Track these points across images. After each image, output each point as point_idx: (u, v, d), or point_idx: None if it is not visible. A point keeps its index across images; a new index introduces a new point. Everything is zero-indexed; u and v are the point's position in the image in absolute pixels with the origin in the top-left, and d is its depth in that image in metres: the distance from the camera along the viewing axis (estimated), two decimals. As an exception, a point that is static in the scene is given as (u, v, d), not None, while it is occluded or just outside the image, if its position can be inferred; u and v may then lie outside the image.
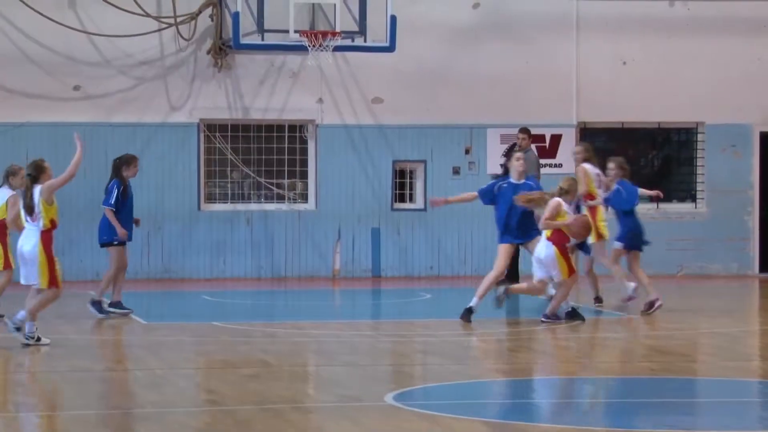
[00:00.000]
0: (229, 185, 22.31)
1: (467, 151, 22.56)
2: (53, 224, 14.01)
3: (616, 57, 22.93)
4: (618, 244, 16.99)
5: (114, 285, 16.73)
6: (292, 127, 22.51)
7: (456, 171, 22.51)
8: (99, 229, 16.98)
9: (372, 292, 20.98)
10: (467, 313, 15.90)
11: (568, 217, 15.70)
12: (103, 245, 16.93)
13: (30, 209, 13.95)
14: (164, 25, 21.73)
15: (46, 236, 13.97)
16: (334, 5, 20.95)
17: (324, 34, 20.63)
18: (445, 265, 22.42)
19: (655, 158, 23.90)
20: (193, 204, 22.03)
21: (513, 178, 16.33)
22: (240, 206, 22.29)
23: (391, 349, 14.67)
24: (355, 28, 20.96)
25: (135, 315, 16.66)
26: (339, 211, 22.29)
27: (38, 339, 14.04)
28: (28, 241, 14.00)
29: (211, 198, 22.29)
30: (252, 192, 22.39)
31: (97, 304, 16.68)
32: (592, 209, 17.27)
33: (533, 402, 11.60)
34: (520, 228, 16.15)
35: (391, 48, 20.78)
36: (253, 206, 22.33)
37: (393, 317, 17.55)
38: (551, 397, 11.85)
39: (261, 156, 22.37)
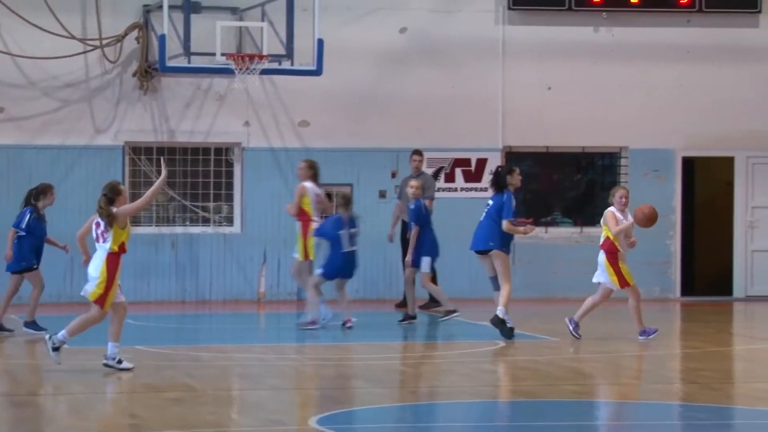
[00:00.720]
0: (154, 208, 22.19)
1: (393, 175, 22.58)
2: (122, 248, 13.91)
3: (541, 82, 23.08)
4: (318, 271, 17.99)
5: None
6: (219, 150, 22.46)
7: (382, 194, 22.53)
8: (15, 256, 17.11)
9: (297, 316, 20.89)
10: (510, 332, 16.65)
11: (621, 223, 16.93)
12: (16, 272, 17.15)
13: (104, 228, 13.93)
14: (90, 48, 21.62)
15: (113, 259, 13.84)
16: (261, 28, 20.95)
17: (251, 57, 20.60)
18: (370, 288, 22.40)
19: (579, 183, 24.05)
20: (118, 227, 21.86)
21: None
22: (165, 229, 22.18)
23: (316, 373, 14.63)
24: (283, 52, 20.95)
25: (39, 332, 16.65)
26: (265, 235, 22.24)
27: (119, 362, 13.97)
28: (94, 261, 13.92)
29: (136, 221, 22.13)
30: (177, 215, 22.29)
31: (30, 325, 17.00)
32: (304, 226, 18.18)
33: (456, 426, 11.60)
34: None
35: (318, 71, 20.79)
36: (179, 229, 22.24)
37: (317, 341, 17.52)
38: (480, 420, 11.85)
39: (186, 179, 22.29)
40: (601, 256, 16.90)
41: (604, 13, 23.19)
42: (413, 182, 18.91)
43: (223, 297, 22.06)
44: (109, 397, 12.99)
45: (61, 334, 13.95)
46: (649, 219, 17.01)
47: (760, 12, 23.49)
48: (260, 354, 15.82)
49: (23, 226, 17.00)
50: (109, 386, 13.57)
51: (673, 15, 23.30)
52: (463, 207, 21.93)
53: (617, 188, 17.71)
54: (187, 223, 22.31)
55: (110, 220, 13.97)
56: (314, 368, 14.93)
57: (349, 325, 17.77)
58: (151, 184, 21.96)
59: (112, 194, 14.17)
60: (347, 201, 18.19)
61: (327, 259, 17.96)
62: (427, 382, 14.12)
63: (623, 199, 17.14)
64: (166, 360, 15.38)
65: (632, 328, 17.03)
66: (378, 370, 14.48)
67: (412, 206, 18.60)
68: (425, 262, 18.43)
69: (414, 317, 18.52)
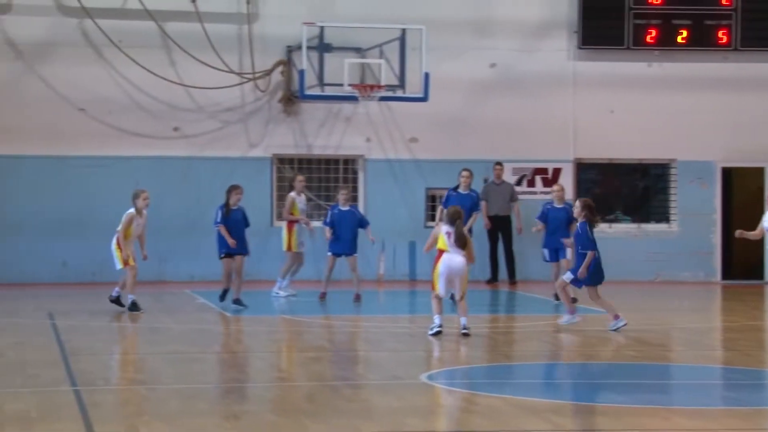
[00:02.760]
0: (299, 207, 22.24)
1: (485, 181, 22.45)
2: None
3: (605, 107, 22.84)
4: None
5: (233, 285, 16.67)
6: (346, 161, 22.53)
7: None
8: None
9: (409, 293, 20.93)
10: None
11: None
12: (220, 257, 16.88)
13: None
14: (245, 80, 21.79)
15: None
16: (380, 64, 20.98)
17: (371, 87, 20.64)
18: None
19: (636, 188, 23.77)
20: (267, 221, 22.08)
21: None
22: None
23: (425, 338, 14.61)
24: (396, 82, 20.96)
25: (221, 309, 16.67)
26: (382, 228, 22.23)
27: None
28: None
29: (281, 216, 22.32)
30: (314, 212, 22.37)
31: (236, 302, 16.66)
32: (290, 225, 18.57)
33: (540, 382, 11.54)
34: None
35: (425, 98, 20.77)
36: (315, 223, 22.28)
37: (426, 312, 17.48)
38: (556, 378, 11.78)
39: (321, 183, 22.40)
40: None
41: (656, 51, 22.90)
42: (555, 186, 18.40)
43: (350, 277, 22.06)
44: (261, 356, 13.08)
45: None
46: None
47: (784, 50, 23.04)
48: (381, 323, 15.83)
49: (219, 221, 16.76)
50: (260, 347, 13.67)
51: (712, 52, 22.92)
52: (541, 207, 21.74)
53: None
54: (322, 218, 22.35)
55: None
56: (423, 334, 14.92)
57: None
58: (291, 188, 22.15)
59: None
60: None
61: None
62: (514, 347, 14.03)
63: None
64: (306, 327, 15.48)
65: (681, 306, 16.76)
66: (475, 336, 14.42)
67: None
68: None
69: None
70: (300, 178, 19.19)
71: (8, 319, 15.68)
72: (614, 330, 14.51)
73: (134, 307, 15.83)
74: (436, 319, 13.87)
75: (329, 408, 9.78)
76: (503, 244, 21.78)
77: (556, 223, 17.42)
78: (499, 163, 21.63)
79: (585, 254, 14.42)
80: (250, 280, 21.66)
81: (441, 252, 13.79)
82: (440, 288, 13.79)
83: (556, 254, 17.40)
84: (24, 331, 14.39)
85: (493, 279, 21.77)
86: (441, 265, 13.75)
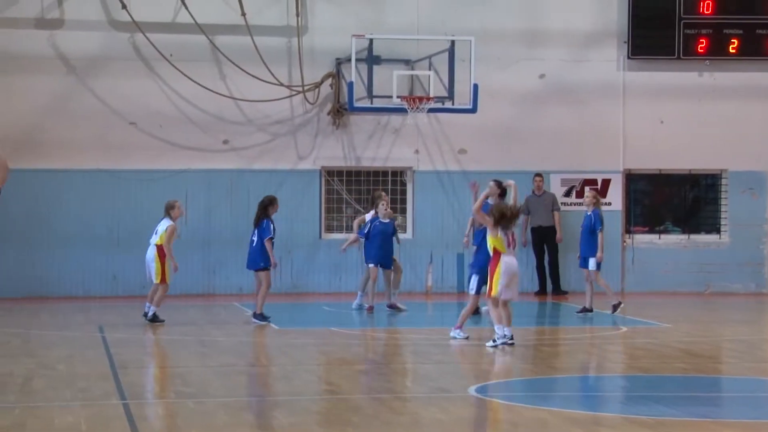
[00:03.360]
0: (344, 218, 22.37)
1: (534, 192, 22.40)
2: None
3: (655, 117, 22.70)
4: None
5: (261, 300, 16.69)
6: (395, 173, 22.55)
7: (522, 210, 22.37)
8: (251, 256, 16.65)
9: (458, 305, 20.85)
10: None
11: None
12: (258, 270, 16.68)
13: None
14: (294, 92, 21.89)
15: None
16: (429, 76, 20.98)
17: (420, 99, 20.64)
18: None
19: (686, 198, 23.58)
20: (316, 233, 22.14)
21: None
22: (351, 235, 22.30)
23: (474, 350, 14.57)
24: (445, 94, 20.94)
25: (271, 322, 16.71)
26: (431, 240, 22.25)
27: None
28: None
29: (329, 229, 22.38)
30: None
31: (258, 316, 16.61)
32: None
33: (587, 395, 11.47)
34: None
35: (473, 110, 20.74)
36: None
37: (475, 325, 17.44)
38: (603, 390, 11.70)
39: (370, 196, 22.38)
40: None
41: (707, 61, 22.73)
42: (588, 193, 18.72)
43: (399, 290, 22.05)
44: (309, 369, 13.11)
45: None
46: None
47: (836, 58, 22.79)
48: (428, 335, 15.80)
49: (272, 235, 16.48)
50: (309, 359, 13.70)
51: (763, 62, 22.73)
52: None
53: None
54: (370, 230, 22.36)
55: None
56: (472, 347, 14.87)
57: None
58: (341, 200, 22.22)
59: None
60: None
61: None
62: (561, 359, 13.96)
63: None
64: (354, 339, 15.48)
65: (732, 317, 16.58)
66: (521, 348, 14.36)
67: (589, 213, 17.62)
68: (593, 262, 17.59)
69: (590, 310, 17.72)
70: (384, 197, 18.79)
71: (59, 333, 15.83)
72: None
73: (156, 318, 16.07)
74: (502, 330, 13.93)
75: (377, 420, 9.78)
76: (548, 255, 21.73)
77: (581, 229, 17.73)
78: (539, 174, 21.78)
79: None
80: (297, 292, 21.77)
81: (498, 254, 13.84)
82: (500, 289, 13.80)
83: (584, 261, 17.80)
84: (74, 344, 14.52)
85: (542, 291, 21.71)
86: (502, 266, 13.80)
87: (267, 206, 16.68)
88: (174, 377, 12.39)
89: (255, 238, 16.64)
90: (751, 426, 9.64)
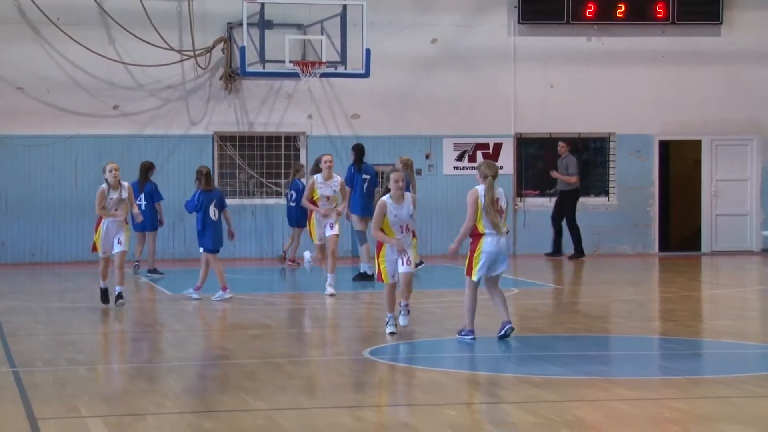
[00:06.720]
0: (237, 184, 22.21)
1: (427, 157, 22.52)
2: None
3: (545, 82, 22.92)
4: None
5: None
6: (288, 138, 22.43)
7: (418, 172, 22.43)
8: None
9: (351, 269, 20.89)
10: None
11: None
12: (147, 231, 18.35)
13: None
14: (185, 57, 21.61)
15: None
16: (321, 41, 20.88)
17: (313, 64, 20.54)
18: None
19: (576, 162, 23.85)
20: (209, 199, 21.90)
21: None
22: (246, 201, 22.20)
23: (367, 315, 14.62)
24: (338, 59, 20.87)
25: (163, 287, 16.57)
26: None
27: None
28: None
29: (224, 194, 22.18)
30: (256, 190, 22.30)
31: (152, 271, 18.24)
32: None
33: (480, 356, 11.55)
34: None
35: (366, 75, 20.70)
36: (257, 201, 22.25)
37: (370, 289, 17.47)
38: (496, 351, 11.80)
39: (263, 161, 22.27)
40: None
41: (595, 26, 23.00)
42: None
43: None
44: (204, 334, 13.01)
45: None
46: None
47: (721, 24, 23.23)
48: (321, 299, 15.78)
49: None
50: (204, 325, 13.59)
51: (650, 26, 23.08)
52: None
53: None
54: (264, 196, 22.31)
55: None
56: (366, 311, 14.92)
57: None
58: (234, 165, 22.03)
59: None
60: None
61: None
62: (455, 322, 14.06)
63: None
64: (248, 304, 15.40)
65: (620, 278, 16.85)
66: (417, 312, 14.42)
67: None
68: None
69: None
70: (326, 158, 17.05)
71: (-53, 301, 15.47)
72: None
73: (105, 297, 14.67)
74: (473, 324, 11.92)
75: (271, 385, 9.74)
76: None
77: None
78: (562, 139, 22.10)
79: None
80: (190, 258, 21.60)
81: (479, 235, 11.72)
82: (478, 273, 11.82)
83: None
84: (-38, 312, 14.19)
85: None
86: (484, 246, 11.66)
87: (148, 170, 18.14)
88: (65, 344, 12.20)
89: (144, 202, 18.14)
90: (638, 383, 9.82)
